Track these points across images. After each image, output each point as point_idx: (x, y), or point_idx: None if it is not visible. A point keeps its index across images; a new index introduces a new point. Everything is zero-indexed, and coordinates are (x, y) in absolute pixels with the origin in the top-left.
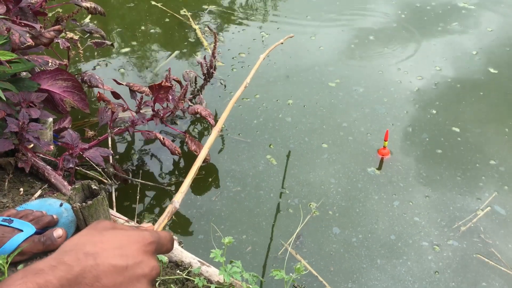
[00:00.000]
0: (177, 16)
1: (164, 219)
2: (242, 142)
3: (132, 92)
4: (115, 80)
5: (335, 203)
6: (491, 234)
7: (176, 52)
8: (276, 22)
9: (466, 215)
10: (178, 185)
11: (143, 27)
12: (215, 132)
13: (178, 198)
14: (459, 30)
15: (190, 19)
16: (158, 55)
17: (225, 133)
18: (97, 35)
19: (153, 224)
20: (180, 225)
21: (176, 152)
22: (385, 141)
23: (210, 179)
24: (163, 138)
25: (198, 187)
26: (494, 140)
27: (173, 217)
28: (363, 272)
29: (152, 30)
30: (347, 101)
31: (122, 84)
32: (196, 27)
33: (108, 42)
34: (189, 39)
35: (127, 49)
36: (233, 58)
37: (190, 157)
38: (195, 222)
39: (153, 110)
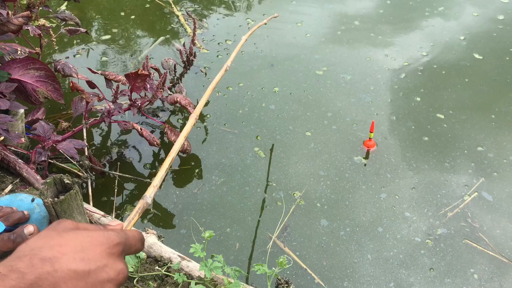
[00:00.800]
0: (159, 2)
1: (134, 217)
2: (229, 133)
3: (108, 81)
4: (89, 69)
5: (322, 194)
6: (478, 219)
7: (161, 39)
8: (262, 8)
9: (453, 201)
10: None
11: (123, 13)
12: (192, 119)
13: (150, 192)
14: (445, 14)
15: (173, 5)
16: (142, 42)
17: (210, 123)
18: (72, 22)
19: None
20: (162, 218)
21: (155, 143)
22: (370, 132)
23: (196, 171)
24: (141, 129)
25: (182, 179)
26: (481, 126)
27: (152, 210)
28: (353, 265)
29: (133, 16)
30: (335, 89)
31: (97, 73)
32: (179, 13)
33: (83, 30)
34: (172, 26)
35: (107, 36)
36: (219, 43)
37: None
38: (178, 215)
39: (130, 99)
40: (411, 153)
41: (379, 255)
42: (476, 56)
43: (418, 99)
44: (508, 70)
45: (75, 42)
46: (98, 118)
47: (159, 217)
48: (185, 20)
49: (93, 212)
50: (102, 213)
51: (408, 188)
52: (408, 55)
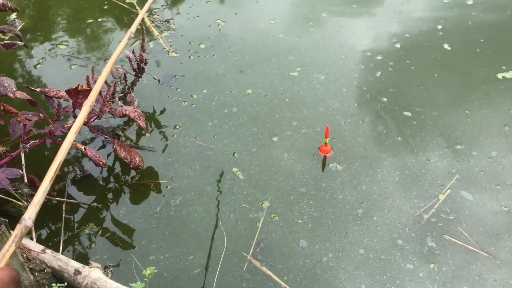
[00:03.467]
0: (123, 5)
1: (8, 248)
2: (204, 148)
3: (49, 98)
4: (28, 87)
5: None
6: (457, 215)
7: (126, 42)
8: (232, 6)
9: (429, 201)
10: (104, 200)
11: (89, 19)
12: (85, 107)
13: (30, 213)
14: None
15: (137, 7)
16: (108, 44)
17: (181, 135)
18: (11, 34)
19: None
20: (111, 246)
21: (101, 163)
22: (325, 137)
23: (153, 189)
24: (85, 149)
25: (138, 197)
26: (456, 122)
27: (100, 234)
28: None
29: (100, 19)
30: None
31: (36, 91)
32: (144, 16)
33: (20, 43)
34: (137, 28)
35: (73, 40)
36: (190, 42)
37: (124, 166)
38: (132, 240)
39: (74, 116)
40: (385, 153)
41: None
42: (446, 47)
43: (385, 99)
44: (480, 62)
45: (39, 48)
46: (39, 140)
47: (108, 245)
48: (151, 23)
49: (31, 250)
50: (41, 247)
51: (387, 185)
52: (380, 46)
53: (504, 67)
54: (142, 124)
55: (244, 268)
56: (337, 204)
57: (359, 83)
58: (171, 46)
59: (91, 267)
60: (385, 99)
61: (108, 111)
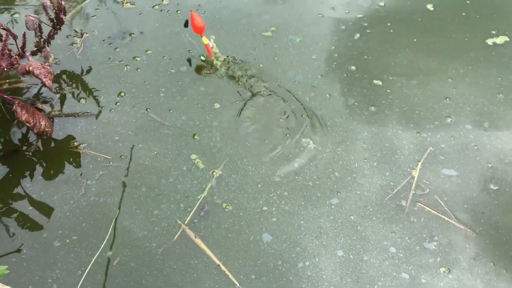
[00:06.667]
0: None
1: None
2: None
3: None
4: None
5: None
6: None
7: None
8: None
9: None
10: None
11: None
12: None
13: None
14: None
15: None
16: None
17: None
18: None
19: None
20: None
21: None
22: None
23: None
24: None
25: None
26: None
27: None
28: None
29: None
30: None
31: None
32: None
33: None
34: None
35: None
36: None
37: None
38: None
39: None
40: (362, 127)
41: None
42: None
43: (353, 68)
44: (465, 26)
45: None
46: None
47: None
48: None
49: None
50: None
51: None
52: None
53: (493, 32)
54: (48, 83)
55: None
56: None
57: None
58: None
59: None
60: (353, 68)
61: (11, 67)
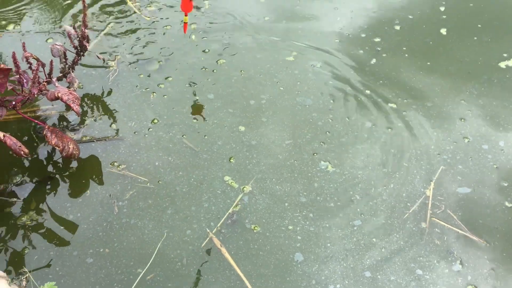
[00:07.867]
0: None
1: None
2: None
3: None
4: None
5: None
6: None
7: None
8: None
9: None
10: (36, 194)
11: None
12: None
13: None
14: None
15: None
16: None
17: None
18: None
19: None
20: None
21: (22, 152)
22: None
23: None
24: (4, 136)
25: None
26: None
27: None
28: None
29: None
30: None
31: None
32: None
33: None
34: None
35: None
36: (160, 9)
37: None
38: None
39: None
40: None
41: None
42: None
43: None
44: (478, 49)
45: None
46: None
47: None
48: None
49: None
50: None
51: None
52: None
53: (505, 55)
54: (76, 108)
55: None
56: None
57: None
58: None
59: None
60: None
61: (40, 93)
